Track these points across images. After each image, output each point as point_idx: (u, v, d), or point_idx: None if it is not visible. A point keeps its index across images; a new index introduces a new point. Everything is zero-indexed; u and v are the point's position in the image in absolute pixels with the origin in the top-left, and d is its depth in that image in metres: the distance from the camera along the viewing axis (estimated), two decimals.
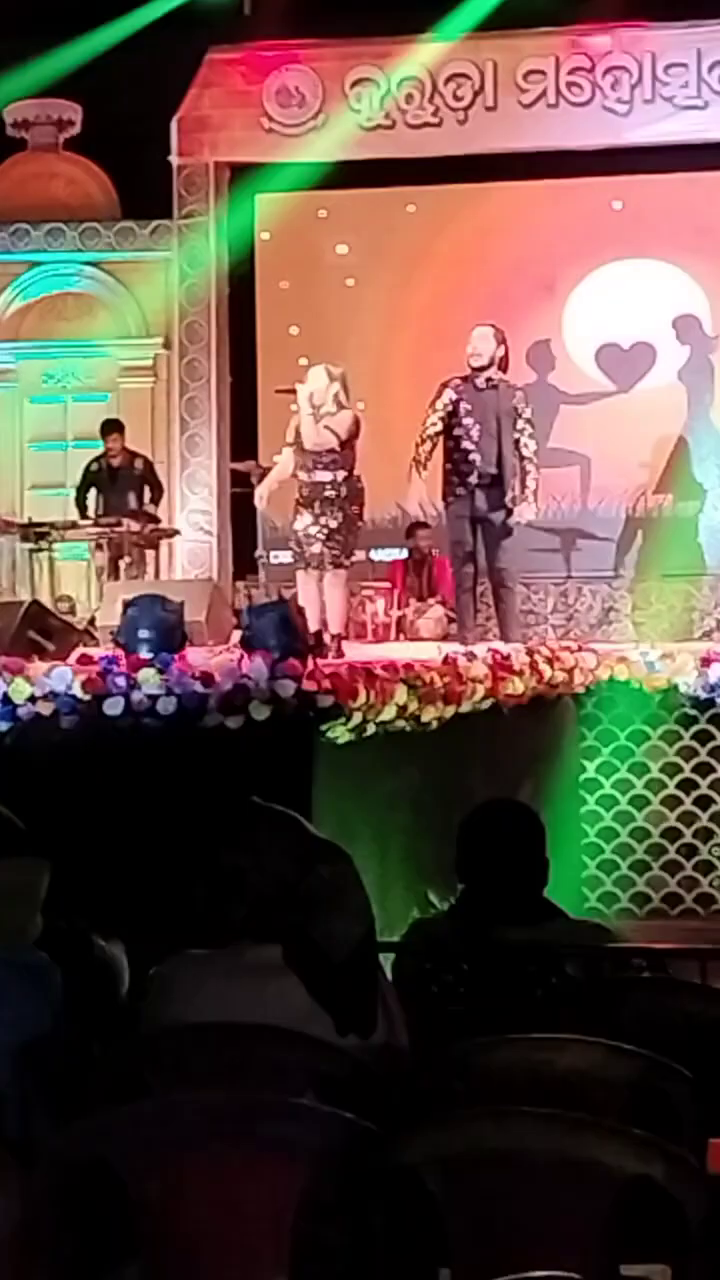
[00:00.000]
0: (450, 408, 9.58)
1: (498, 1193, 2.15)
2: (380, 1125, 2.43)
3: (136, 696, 6.83)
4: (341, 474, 9.66)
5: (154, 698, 6.82)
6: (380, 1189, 2.40)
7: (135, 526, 11.44)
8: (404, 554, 12.06)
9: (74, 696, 6.79)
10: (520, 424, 9.51)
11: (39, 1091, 3.05)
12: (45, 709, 6.87)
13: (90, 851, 5.51)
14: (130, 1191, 2.44)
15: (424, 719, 7.40)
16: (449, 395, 9.55)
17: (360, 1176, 2.43)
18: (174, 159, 12.86)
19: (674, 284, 13.60)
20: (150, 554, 11.86)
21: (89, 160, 13.42)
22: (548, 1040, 2.88)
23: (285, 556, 10.48)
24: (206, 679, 6.86)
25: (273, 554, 11.16)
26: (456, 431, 9.52)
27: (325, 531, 9.70)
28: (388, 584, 11.83)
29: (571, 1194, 2.09)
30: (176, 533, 12.38)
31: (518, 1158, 2.33)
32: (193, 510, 12.83)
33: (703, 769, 9.09)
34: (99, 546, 11.55)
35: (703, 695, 9.03)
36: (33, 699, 6.78)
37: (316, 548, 9.68)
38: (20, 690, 6.86)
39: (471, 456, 9.34)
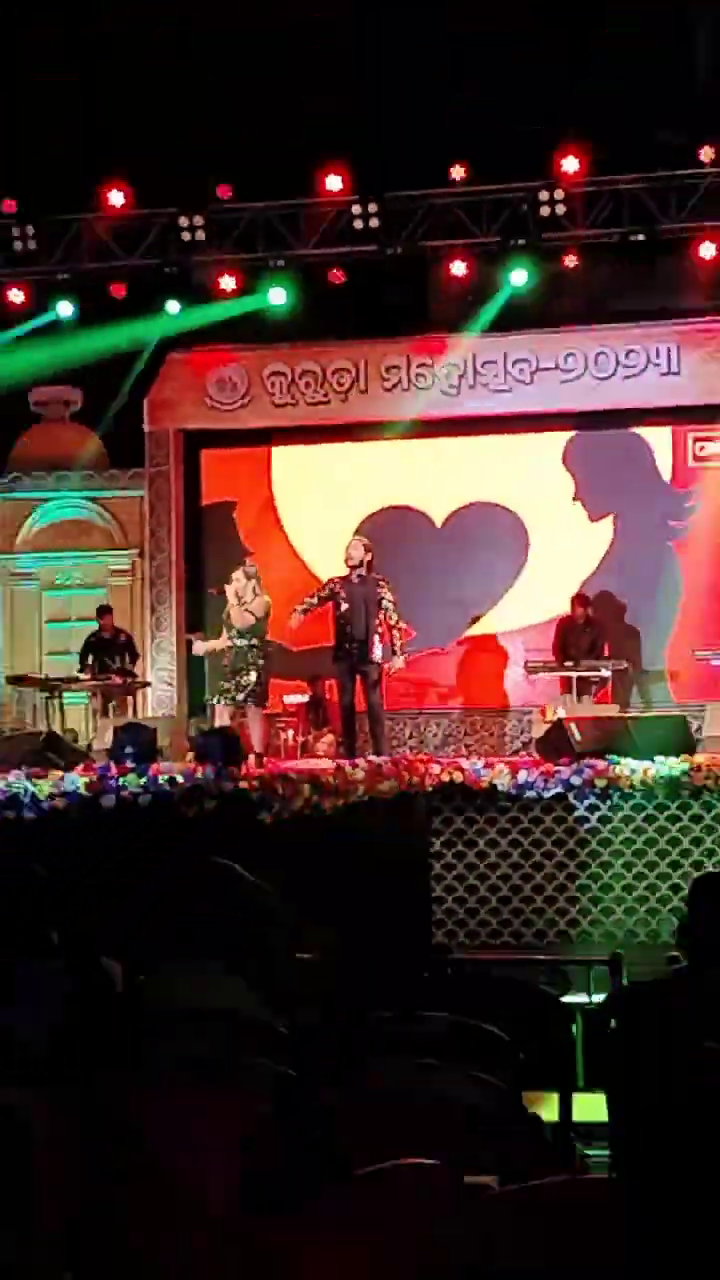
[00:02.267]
0: (331, 595, 11.90)
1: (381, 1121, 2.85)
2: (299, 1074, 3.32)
3: (124, 794, 8.87)
4: (258, 641, 12.21)
5: (135, 794, 8.79)
6: (304, 1124, 3.01)
7: (119, 681, 13.95)
8: (306, 698, 14.34)
9: (79, 794, 8.79)
10: (385, 603, 11.82)
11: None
12: (60, 803, 8.97)
13: (96, 896, 7.07)
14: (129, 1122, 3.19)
15: (324, 807, 9.41)
16: (330, 588, 11.95)
17: (289, 1112, 3.11)
18: (145, 427, 15.75)
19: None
20: (130, 699, 14.41)
21: (86, 428, 16.19)
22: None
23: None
24: (172, 781, 8.93)
25: (216, 698, 13.09)
26: (339, 612, 11.79)
27: (250, 682, 12.24)
28: (294, 718, 14.11)
29: (427, 1120, 2.84)
30: (148, 684, 14.75)
31: (397, 1095, 3.28)
32: (160, 668, 15.30)
33: (514, 842, 11.17)
34: (94, 694, 14.02)
35: (512, 791, 11.14)
36: (52, 796, 8.77)
37: (243, 695, 12.20)
38: (43, 790, 8.85)
39: (348, 629, 11.54)
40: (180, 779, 8.95)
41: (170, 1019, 4.19)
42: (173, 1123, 3.47)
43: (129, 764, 9.40)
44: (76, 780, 8.99)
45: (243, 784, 8.93)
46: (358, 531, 14.18)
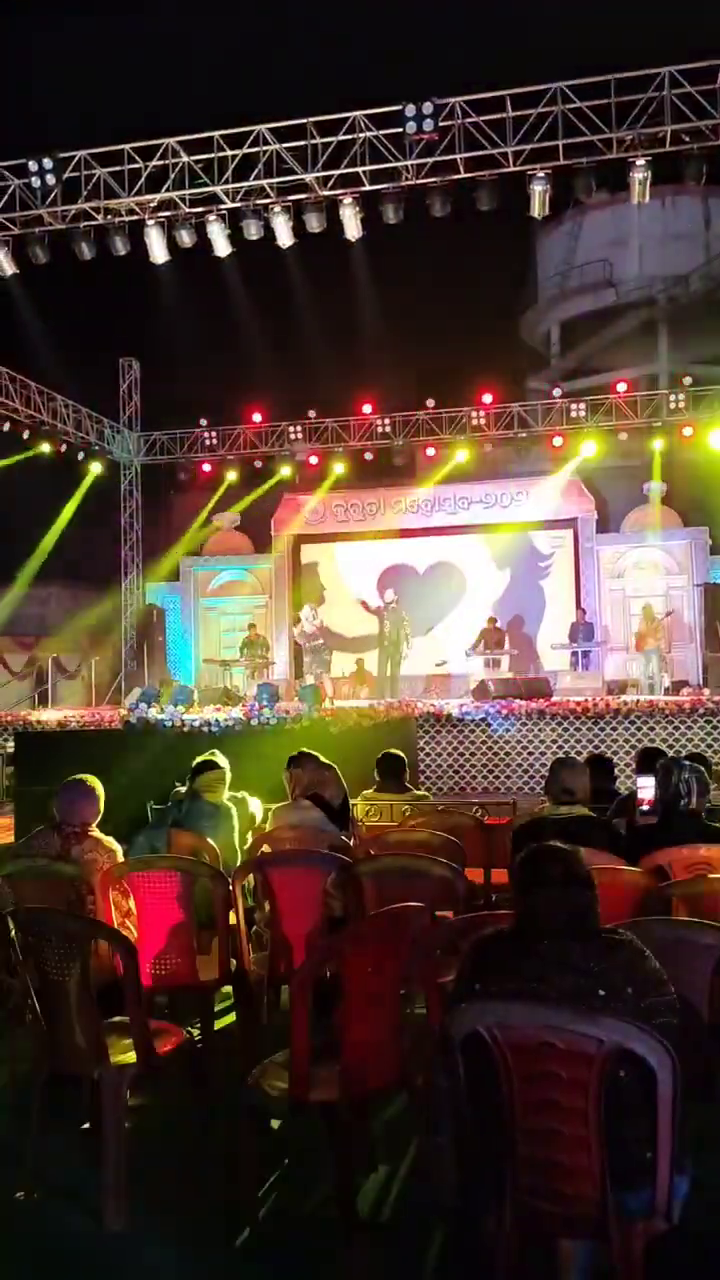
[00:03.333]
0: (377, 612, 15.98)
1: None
2: None
3: (261, 719, 9.28)
4: (324, 641, 15.68)
5: (267, 720, 9.22)
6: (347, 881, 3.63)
7: (259, 662, 16.39)
8: (353, 669, 17.08)
9: (239, 718, 9.33)
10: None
11: None
12: (230, 723, 9.27)
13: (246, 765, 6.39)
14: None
15: (364, 724, 10.10)
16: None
17: (342, 877, 3.75)
18: (272, 532, 18.91)
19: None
20: (266, 671, 16.47)
21: (242, 533, 19.27)
22: None
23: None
24: (286, 714, 9.91)
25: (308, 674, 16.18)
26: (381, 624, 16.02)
27: (324, 662, 15.66)
28: (347, 680, 16.84)
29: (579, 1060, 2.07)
30: (273, 663, 17.18)
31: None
32: (279, 657, 17.91)
33: (460, 740, 13.36)
34: (246, 669, 16.31)
35: (458, 715, 12.79)
36: (226, 720, 9.47)
37: (320, 669, 15.47)
38: (220, 718, 9.23)
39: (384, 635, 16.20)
40: (290, 711, 9.41)
41: (283, 833, 4.75)
42: (289, 884, 4.16)
43: (264, 705, 9.80)
44: (236, 712, 9.58)
45: (319, 713, 9.45)
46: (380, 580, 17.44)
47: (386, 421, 17.71)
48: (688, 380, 17.52)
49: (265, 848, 4.74)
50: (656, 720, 12.40)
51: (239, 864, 4.51)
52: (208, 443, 18.56)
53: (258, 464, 18.26)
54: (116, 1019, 3.24)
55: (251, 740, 8.34)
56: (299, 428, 17.95)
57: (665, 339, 23.36)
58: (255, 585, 19.34)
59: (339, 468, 17.98)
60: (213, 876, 4.10)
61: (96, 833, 4.37)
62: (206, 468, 18.59)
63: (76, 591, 19.19)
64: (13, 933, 3.21)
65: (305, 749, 5.46)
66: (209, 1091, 3.56)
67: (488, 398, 17.36)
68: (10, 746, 11.60)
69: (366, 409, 17.71)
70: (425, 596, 18.21)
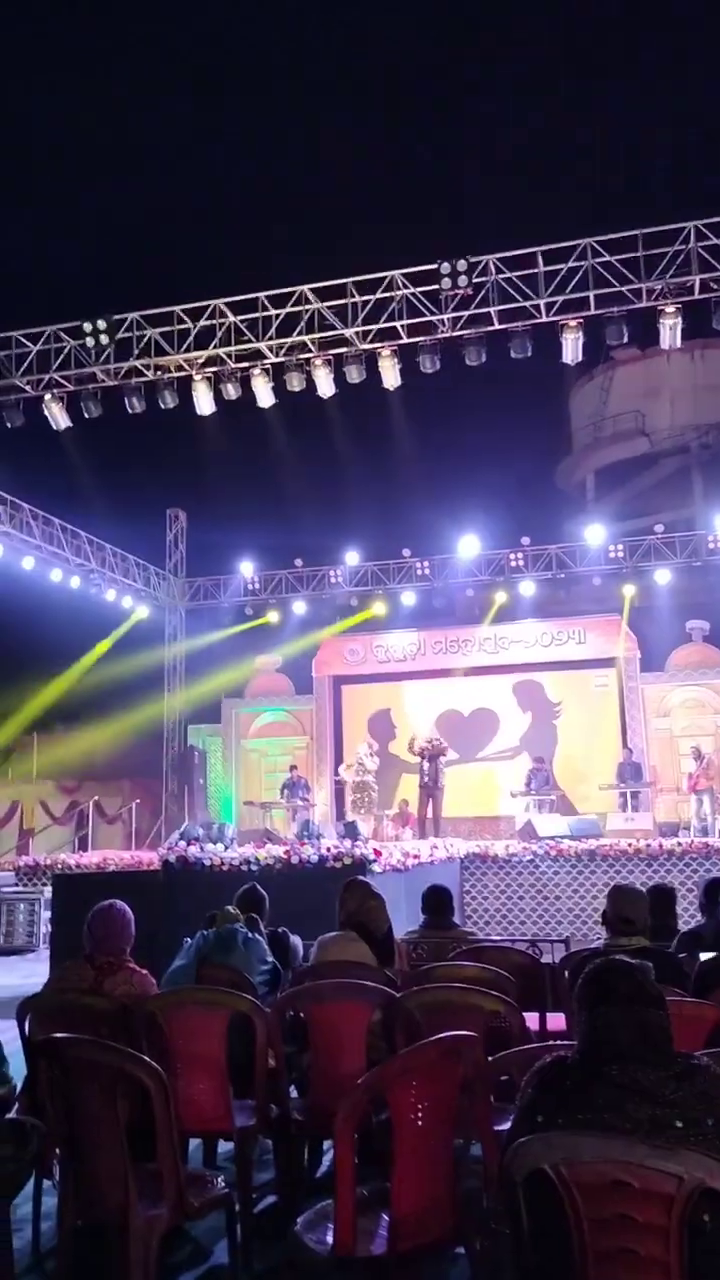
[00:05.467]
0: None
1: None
2: None
3: (301, 858, 9.09)
4: (373, 779, 15.35)
5: (307, 859, 9.03)
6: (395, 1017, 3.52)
7: (300, 803, 16.13)
8: (395, 810, 16.38)
9: (278, 858, 9.08)
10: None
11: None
12: (270, 862, 9.04)
13: (288, 903, 6.45)
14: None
15: (406, 864, 10.00)
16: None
17: (389, 1013, 3.65)
18: (314, 674, 19.05)
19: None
20: (306, 812, 16.17)
21: (284, 675, 19.47)
22: None
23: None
24: (327, 852, 9.15)
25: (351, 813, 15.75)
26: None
27: (371, 801, 15.35)
28: (393, 819, 16.23)
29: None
30: (313, 805, 16.90)
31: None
32: (320, 799, 17.73)
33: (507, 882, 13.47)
34: (287, 810, 16.13)
35: (504, 857, 12.83)
36: (266, 859, 9.07)
37: (364, 809, 15.15)
38: (261, 856, 9.15)
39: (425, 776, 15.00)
40: (332, 850, 9.17)
41: (325, 968, 4.48)
42: (331, 1021, 3.91)
43: (305, 842, 10.11)
44: (277, 850, 9.43)
45: (360, 851, 9.16)
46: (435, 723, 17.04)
47: (425, 565, 18.01)
48: None
49: (306, 982, 4.52)
50: (714, 863, 11.89)
51: (278, 1000, 4.31)
52: (250, 586, 18.95)
53: (299, 606, 18.54)
54: (148, 1165, 2.99)
55: (292, 879, 8.28)
56: (339, 570, 18.33)
57: (700, 483, 23.78)
58: (296, 726, 19.33)
59: (379, 609, 18.16)
60: (251, 1012, 3.91)
61: (131, 963, 4.20)
62: (249, 611, 18.88)
63: (118, 734, 19.29)
64: (40, 1068, 3.04)
65: (357, 877, 5.37)
66: (247, 1247, 3.29)
67: (526, 539, 17.70)
68: (49, 892, 11.56)
69: (406, 551, 18.13)
70: (469, 738, 18.05)
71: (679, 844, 12.55)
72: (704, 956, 4.29)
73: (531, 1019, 4.40)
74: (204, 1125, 3.78)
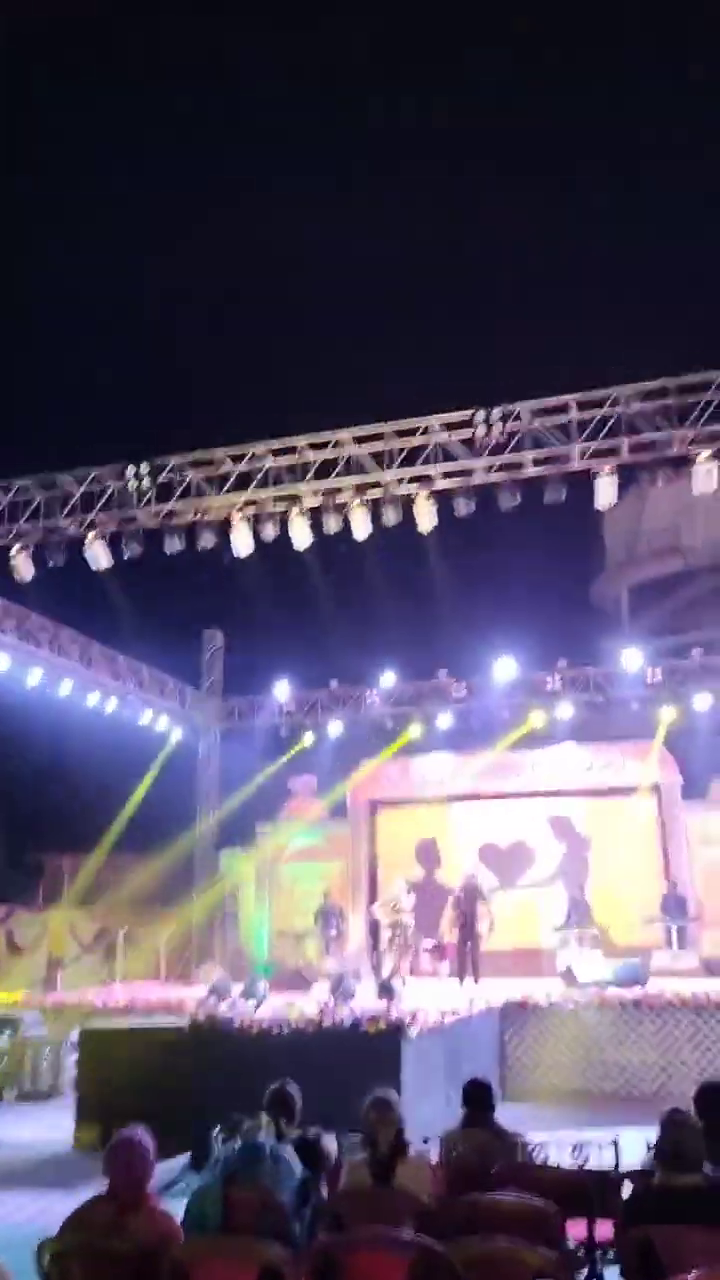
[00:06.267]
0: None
1: None
2: None
3: (335, 1020, 8.95)
4: (410, 917, 14.65)
5: (341, 1020, 8.99)
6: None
7: (334, 933, 15.96)
8: (434, 942, 15.77)
9: (310, 1019, 9.01)
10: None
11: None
12: (302, 1024, 9.07)
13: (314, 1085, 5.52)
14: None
15: (444, 1022, 9.73)
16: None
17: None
18: (348, 797, 18.72)
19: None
20: (339, 940, 16.12)
21: (318, 798, 19.03)
22: None
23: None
24: (363, 1014, 8.95)
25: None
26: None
27: (406, 937, 14.59)
28: (431, 952, 15.98)
29: None
30: (347, 936, 16.59)
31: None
32: (355, 927, 17.12)
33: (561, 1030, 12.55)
34: (322, 940, 15.97)
35: (544, 1005, 12.28)
36: (298, 1021, 9.00)
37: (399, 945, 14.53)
38: (293, 1014, 9.06)
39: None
40: (366, 1011, 8.97)
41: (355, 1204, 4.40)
42: (365, 1271, 3.72)
43: (340, 1002, 9.68)
44: (310, 1008, 9.31)
45: (396, 1014, 8.97)
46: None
47: (463, 686, 17.91)
48: None
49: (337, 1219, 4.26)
50: None
51: (310, 1248, 4.06)
52: (285, 708, 18.88)
53: (334, 728, 18.36)
54: None
55: (325, 1046, 8.10)
56: (375, 692, 18.25)
57: None
58: (331, 851, 18.95)
59: (415, 731, 17.92)
60: (280, 1264, 3.67)
61: (153, 1200, 4.01)
62: (283, 732, 18.75)
63: (150, 858, 19.09)
64: None
65: (380, 1097, 4.89)
66: None
67: (563, 661, 17.56)
68: (74, 1037, 11.32)
69: (442, 672, 18.02)
70: (506, 867, 17.71)
71: None
72: None
73: (578, 1225, 4.34)
74: None
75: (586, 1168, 5.36)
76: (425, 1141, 5.41)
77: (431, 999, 10.36)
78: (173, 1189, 6.59)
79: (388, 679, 18.19)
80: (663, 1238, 3.64)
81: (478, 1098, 5.82)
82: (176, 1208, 4.23)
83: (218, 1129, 6.54)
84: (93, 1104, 9.15)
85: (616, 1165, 5.40)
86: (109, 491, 12.08)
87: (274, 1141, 4.67)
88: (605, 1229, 4.43)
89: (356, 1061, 7.83)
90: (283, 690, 18.77)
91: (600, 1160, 5.61)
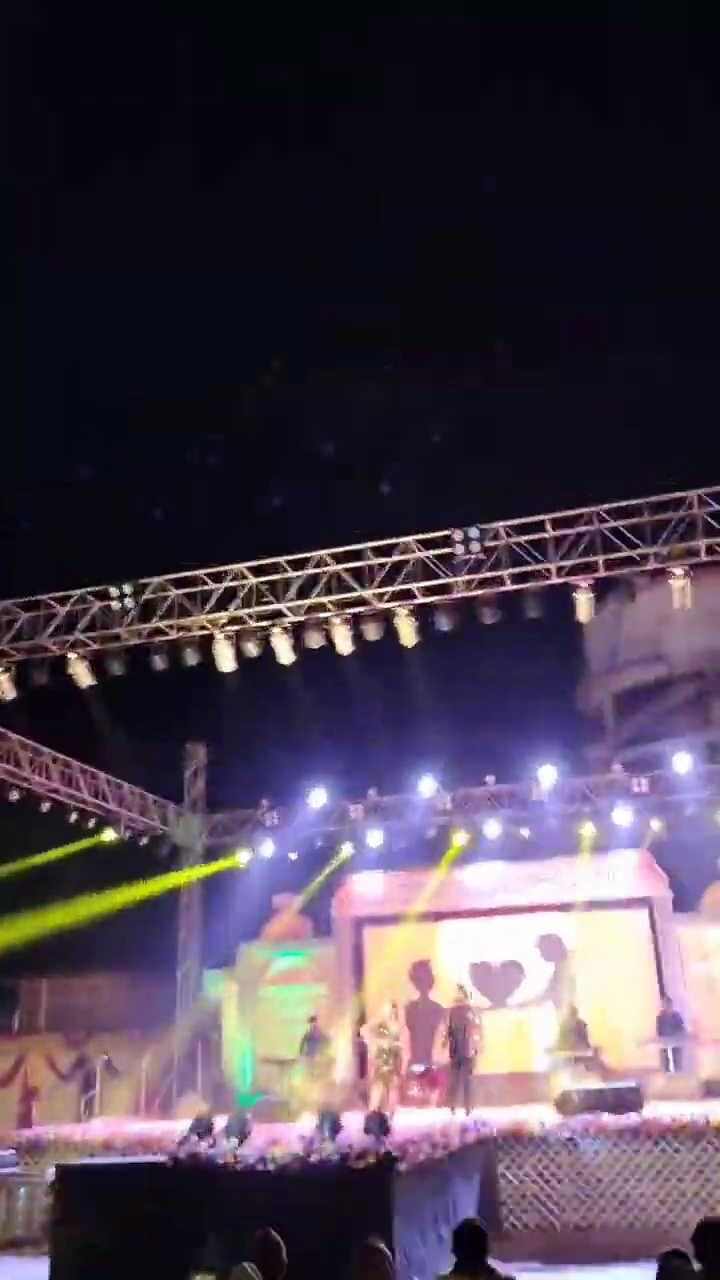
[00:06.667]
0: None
1: None
2: None
3: (321, 1156, 8.37)
4: (397, 1044, 14.46)
5: (326, 1156, 8.37)
6: None
7: (319, 1059, 15.49)
8: (422, 1068, 15.45)
9: (295, 1154, 8.41)
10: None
11: None
12: (286, 1159, 8.32)
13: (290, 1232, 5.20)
14: None
15: (436, 1156, 9.37)
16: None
17: None
18: (333, 915, 18.38)
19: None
20: (326, 1068, 15.80)
21: (303, 916, 18.80)
22: None
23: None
24: (349, 1149, 8.41)
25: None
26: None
27: (390, 1069, 14.33)
28: (419, 1079, 15.46)
29: None
30: (335, 1061, 16.27)
31: None
32: (341, 1050, 16.90)
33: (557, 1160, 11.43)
34: (307, 1068, 15.31)
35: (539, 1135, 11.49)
36: (282, 1158, 8.35)
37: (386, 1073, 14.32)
38: (274, 1154, 8.44)
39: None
40: (354, 1146, 8.53)
41: None
42: None
43: (325, 1137, 9.09)
44: (295, 1146, 8.71)
45: (386, 1149, 8.48)
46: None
47: (449, 800, 17.83)
48: None
49: None
50: None
51: None
52: (269, 823, 18.69)
53: (319, 843, 18.20)
54: None
55: (312, 1184, 7.72)
56: (360, 806, 18.11)
57: (718, 707, 23.86)
58: (316, 972, 18.51)
59: (400, 846, 17.83)
60: None
61: None
62: (268, 849, 18.49)
63: (130, 980, 18.62)
64: None
65: (369, 1244, 4.78)
66: None
67: (547, 772, 17.39)
68: (50, 1176, 10.76)
69: (425, 789, 17.75)
70: (497, 986, 17.37)
71: None
72: None
73: None
74: None
75: None
76: None
77: (422, 1131, 9.76)
78: None
79: (371, 793, 18.00)
80: None
81: (471, 1243, 5.50)
82: None
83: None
84: (70, 1257, 8.49)
85: None
86: (91, 611, 12.22)
87: None
88: None
89: (345, 1200, 7.54)
90: (266, 804, 18.39)
91: None
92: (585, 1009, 16.06)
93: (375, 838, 17.85)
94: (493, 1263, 5.63)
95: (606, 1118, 11.69)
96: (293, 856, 18.26)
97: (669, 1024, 15.37)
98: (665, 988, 16.56)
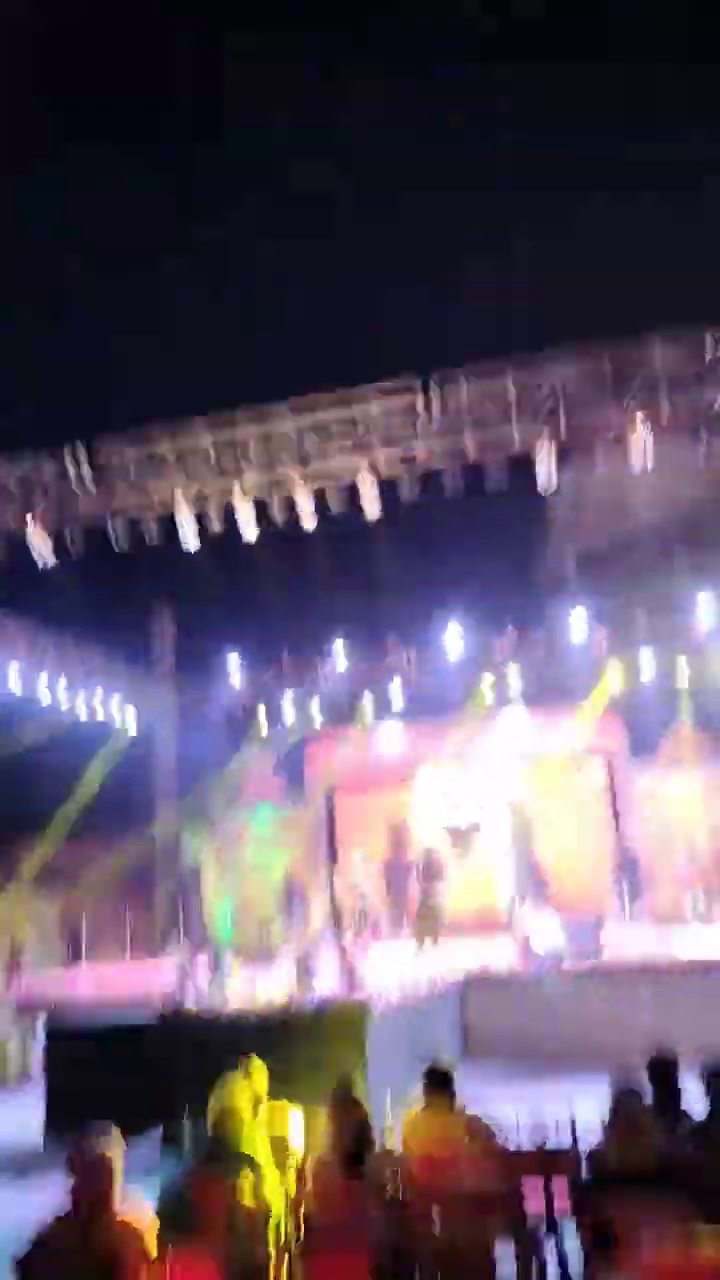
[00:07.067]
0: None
1: None
2: None
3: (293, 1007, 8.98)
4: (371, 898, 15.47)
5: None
6: None
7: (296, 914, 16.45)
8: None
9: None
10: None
11: None
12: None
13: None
14: None
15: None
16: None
17: None
18: (305, 772, 18.64)
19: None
20: (305, 917, 16.34)
21: (278, 777, 18.98)
22: None
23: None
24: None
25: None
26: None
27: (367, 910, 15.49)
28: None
29: None
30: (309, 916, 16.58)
31: None
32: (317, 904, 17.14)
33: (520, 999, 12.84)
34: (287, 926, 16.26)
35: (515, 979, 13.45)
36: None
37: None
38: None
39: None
40: (331, 994, 9.26)
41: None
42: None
43: (305, 981, 9.88)
44: (276, 1000, 9.30)
45: (360, 996, 9.03)
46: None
47: (412, 653, 17.78)
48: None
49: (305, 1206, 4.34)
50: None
51: (271, 1243, 4.11)
52: (240, 685, 18.59)
53: (288, 703, 18.28)
54: None
55: (292, 1030, 8.10)
56: (327, 665, 18.07)
57: (681, 562, 23.62)
58: (292, 829, 18.72)
59: (368, 702, 18.05)
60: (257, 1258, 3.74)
61: (120, 1205, 4.05)
62: (240, 710, 18.63)
63: (111, 842, 18.94)
64: None
65: (342, 1085, 4.94)
66: None
67: (510, 627, 17.44)
68: (39, 1025, 11.19)
69: (391, 640, 17.64)
70: (464, 840, 17.64)
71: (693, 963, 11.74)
72: None
73: (538, 1200, 4.36)
74: None
75: (545, 1148, 5.58)
76: (390, 1127, 5.61)
77: (394, 976, 10.52)
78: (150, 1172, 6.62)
79: (338, 647, 17.84)
80: (617, 1213, 3.83)
81: (439, 1084, 5.71)
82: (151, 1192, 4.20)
83: (186, 1113, 6.12)
84: (63, 1100, 9.05)
85: (574, 1142, 5.61)
86: (46, 481, 11.88)
87: (233, 1132, 4.49)
88: (564, 1204, 4.40)
89: (323, 1043, 7.97)
90: (234, 665, 18.36)
91: (557, 1138, 5.83)
92: (544, 856, 16.69)
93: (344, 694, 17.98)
94: (457, 1101, 6.19)
95: (567, 963, 12.24)
96: (263, 717, 18.38)
97: (625, 869, 15.94)
98: (622, 833, 17.02)
